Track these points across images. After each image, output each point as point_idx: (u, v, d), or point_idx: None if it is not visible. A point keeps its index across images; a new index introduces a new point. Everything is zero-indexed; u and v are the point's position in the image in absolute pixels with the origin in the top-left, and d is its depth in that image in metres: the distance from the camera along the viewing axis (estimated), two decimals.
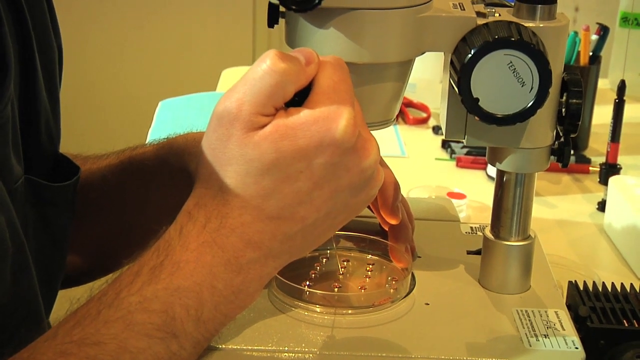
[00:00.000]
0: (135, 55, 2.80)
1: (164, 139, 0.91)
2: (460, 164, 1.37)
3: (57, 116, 0.81)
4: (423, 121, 1.54)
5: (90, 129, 2.73)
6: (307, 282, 0.76)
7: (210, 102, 1.49)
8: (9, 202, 0.68)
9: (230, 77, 1.75)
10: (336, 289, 0.77)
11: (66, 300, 0.66)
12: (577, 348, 0.71)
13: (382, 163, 0.75)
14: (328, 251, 0.82)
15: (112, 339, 0.59)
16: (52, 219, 0.79)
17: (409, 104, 1.57)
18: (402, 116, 1.54)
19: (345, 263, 0.82)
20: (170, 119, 1.54)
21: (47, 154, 0.80)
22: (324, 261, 0.81)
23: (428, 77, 1.53)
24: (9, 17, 0.74)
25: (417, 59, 0.73)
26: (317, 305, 0.74)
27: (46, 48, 0.79)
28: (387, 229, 0.84)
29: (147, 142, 0.94)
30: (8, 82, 0.71)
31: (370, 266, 0.82)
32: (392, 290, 0.76)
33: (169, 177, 0.88)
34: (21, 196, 0.74)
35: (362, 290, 0.77)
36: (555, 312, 0.75)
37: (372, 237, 0.84)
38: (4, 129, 0.70)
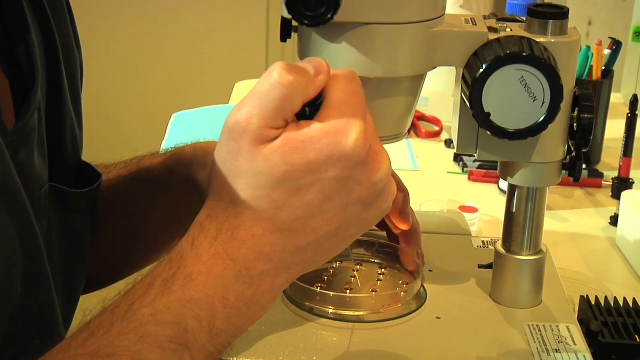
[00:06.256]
0: (149, 68, 2.82)
1: (171, 149, 0.91)
2: (472, 177, 1.37)
3: (80, 124, 0.82)
4: (435, 134, 1.54)
5: (104, 141, 2.73)
6: (319, 285, 0.77)
7: (223, 115, 1.48)
8: (27, 211, 0.68)
9: (243, 90, 1.76)
10: (348, 291, 0.77)
11: (79, 312, 0.67)
12: None
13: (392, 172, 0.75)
14: (341, 259, 0.82)
15: (126, 350, 0.59)
16: (76, 225, 0.79)
17: (421, 117, 1.57)
18: (414, 129, 1.54)
19: (357, 267, 0.83)
20: (184, 132, 1.55)
21: (71, 161, 0.80)
22: (336, 265, 0.82)
23: (441, 91, 1.53)
24: (36, 26, 0.74)
25: (429, 72, 0.74)
26: (330, 307, 0.74)
27: (70, 57, 0.80)
28: (397, 234, 0.84)
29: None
30: (35, 91, 0.72)
31: (382, 270, 0.82)
32: (402, 294, 0.77)
33: (177, 187, 0.88)
34: (45, 203, 0.74)
35: (373, 293, 0.78)
36: (567, 326, 0.75)
37: (382, 241, 0.84)
38: (29, 136, 0.71)
